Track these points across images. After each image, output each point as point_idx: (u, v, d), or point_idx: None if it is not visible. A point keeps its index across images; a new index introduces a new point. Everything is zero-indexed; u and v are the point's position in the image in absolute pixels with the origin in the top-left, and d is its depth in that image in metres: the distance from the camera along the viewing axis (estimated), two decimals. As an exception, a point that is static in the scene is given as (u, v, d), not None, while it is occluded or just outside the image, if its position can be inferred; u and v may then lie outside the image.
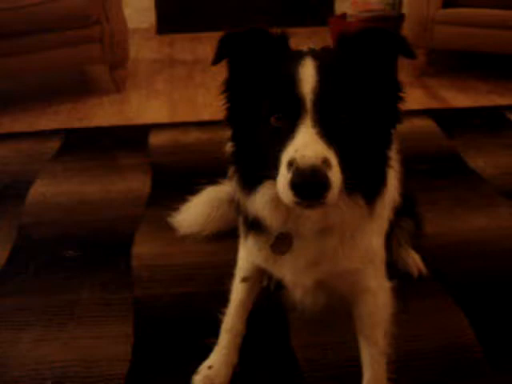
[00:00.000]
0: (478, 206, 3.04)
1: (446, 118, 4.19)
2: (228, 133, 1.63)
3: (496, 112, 4.29)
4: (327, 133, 1.37)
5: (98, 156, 3.74)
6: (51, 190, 3.33)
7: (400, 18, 5.64)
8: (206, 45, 6.16)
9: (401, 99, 1.54)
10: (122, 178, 3.43)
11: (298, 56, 1.48)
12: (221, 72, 1.62)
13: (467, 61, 5.49)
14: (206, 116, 4.31)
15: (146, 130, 4.11)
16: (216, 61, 1.54)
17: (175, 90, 5.00)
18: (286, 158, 1.36)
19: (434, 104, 4.53)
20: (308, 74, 1.41)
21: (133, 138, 4.01)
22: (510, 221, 2.93)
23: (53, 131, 4.15)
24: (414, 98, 4.53)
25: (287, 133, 1.39)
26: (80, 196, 3.26)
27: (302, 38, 6.10)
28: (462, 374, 2.06)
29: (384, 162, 1.57)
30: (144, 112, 4.55)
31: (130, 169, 3.55)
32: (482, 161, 3.52)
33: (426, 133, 3.95)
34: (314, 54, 1.50)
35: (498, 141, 3.82)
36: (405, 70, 4.90)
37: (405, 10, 5.57)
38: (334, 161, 1.35)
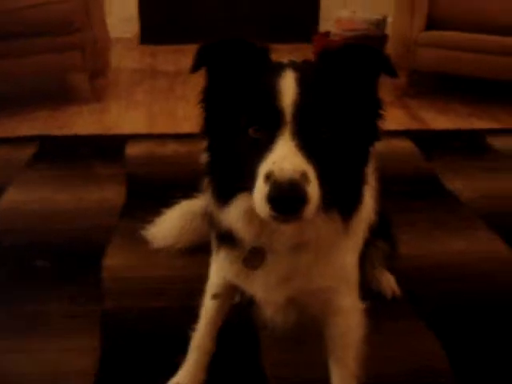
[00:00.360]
0: (456, 229, 3.02)
1: (426, 139, 4.19)
2: (204, 144, 1.60)
3: (476, 135, 4.30)
4: (306, 146, 1.34)
5: (73, 164, 3.70)
6: (24, 197, 3.28)
7: (384, 38, 5.67)
8: (188, 57, 6.04)
9: (381, 117, 1.53)
10: (97, 188, 3.38)
11: (279, 68, 1.45)
12: (202, 84, 1.59)
13: (449, 83, 5.53)
14: (185, 129, 4.27)
15: (123, 140, 4.07)
16: (194, 69, 1.52)
17: (155, 102, 4.98)
18: (263, 170, 1.33)
19: (413, 125, 4.54)
20: (288, 86, 1.39)
21: (109, 147, 3.97)
22: (488, 244, 2.91)
23: (29, 138, 4.10)
24: (393, 117, 4.53)
25: (265, 145, 1.36)
26: (53, 204, 3.21)
27: (284, 54, 6.08)
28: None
29: (361, 179, 1.55)
30: (123, 122, 4.52)
31: (106, 178, 3.50)
32: (460, 184, 3.51)
33: (404, 154, 3.94)
34: (295, 66, 1.48)
35: (477, 164, 3.81)
36: (386, 90, 4.85)
37: (389, 30, 5.59)
38: (312, 175, 1.32)
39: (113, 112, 4.74)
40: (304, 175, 1.29)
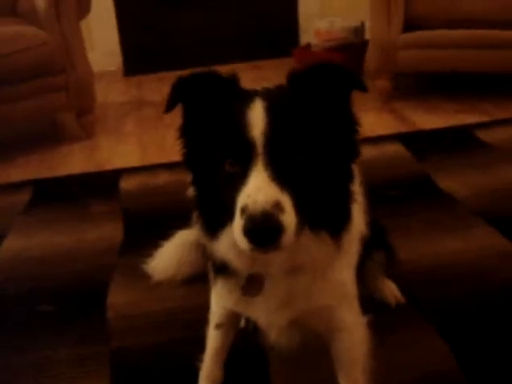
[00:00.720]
0: (452, 229, 3.02)
1: (415, 140, 4.20)
2: (189, 177, 1.61)
3: (464, 131, 4.31)
4: (281, 175, 1.35)
5: (69, 205, 3.70)
6: (23, 243, 3.28)
7: (364, 44, 5.68)
8: (173, 84, 6.14)
9: (357, 132, 1.54)
10: (94, 226, 3.38)
11: (249, 98, 1.46)
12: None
13: (433, 82, 5.55)
14: (176, 157, 4.25)
15: (116, 175, 4.08)
16: (169, 108, 1.55)
17: (145, 133, 4.97)
18: (240, 203, 1.34)
19: (402, 127, 4.54)
20: (257, 117, 1.39)
21: (103, 184, 3.97)
22: (486, 241, 2.91)
23: (22, 183, 4.09)
24: (382, 122, 4.54)
25: (241, 178, 1.37)
26: (52, 248, 3.20)
27: (269, 71, 6.14)
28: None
29: (346, 197, 1.56)
30: (114, 157, 4.51)
31: (102, 216, 3.51)
32: (453, 182, 3.52)
33: (395, 158, 3.92)
34: (264, 94, 1.48)
35: (468, 161, 3.82)
36: (372, 96, 4.94)
37: (368, 36, 5.60)
38: (287, 203, 1.33)
39: (104, 147, 4.74)
40: (278, 205, 1.30)
